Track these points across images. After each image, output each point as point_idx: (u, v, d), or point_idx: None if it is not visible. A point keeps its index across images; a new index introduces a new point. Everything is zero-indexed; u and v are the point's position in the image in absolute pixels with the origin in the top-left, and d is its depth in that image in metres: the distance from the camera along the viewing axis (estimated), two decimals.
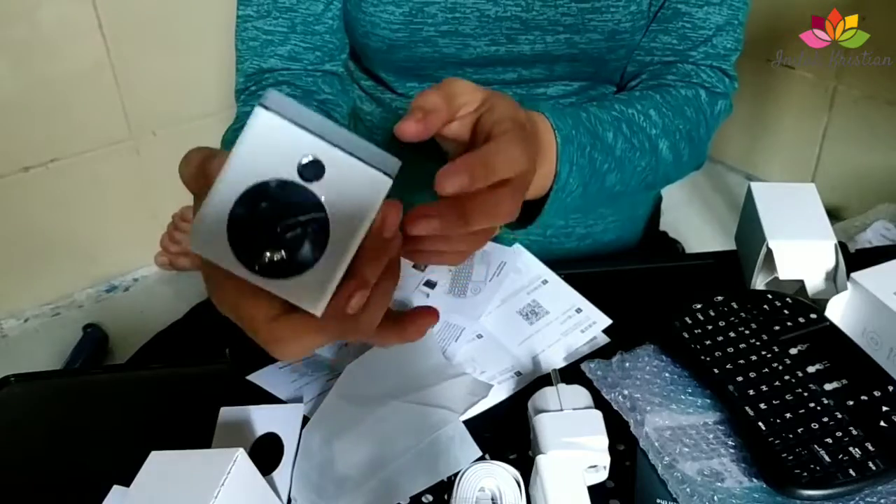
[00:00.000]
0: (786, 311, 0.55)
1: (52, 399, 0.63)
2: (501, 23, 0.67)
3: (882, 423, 0.47)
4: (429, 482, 0.49)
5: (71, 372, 1.13)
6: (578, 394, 0.51)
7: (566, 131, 0.56)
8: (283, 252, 0.35)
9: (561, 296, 0.63)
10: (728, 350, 0.52)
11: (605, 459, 0.48)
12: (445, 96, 0.45)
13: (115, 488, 0.49)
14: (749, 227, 0.64)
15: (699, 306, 0.56)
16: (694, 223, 1.53)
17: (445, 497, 0.49)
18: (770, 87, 1.59)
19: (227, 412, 0.54)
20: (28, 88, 1.36)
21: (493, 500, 0.47)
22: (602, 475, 0.49)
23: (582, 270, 0.66)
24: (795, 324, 0.54)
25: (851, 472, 0.44)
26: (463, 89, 0.47)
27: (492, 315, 0.62)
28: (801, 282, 0.59)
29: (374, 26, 0.67)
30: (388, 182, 0.36)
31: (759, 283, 0.61)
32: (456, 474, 0.48)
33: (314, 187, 0.35)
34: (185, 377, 0.64)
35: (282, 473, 0.51)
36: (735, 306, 0.56)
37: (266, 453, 0.51)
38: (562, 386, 0.52)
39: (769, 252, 0.59)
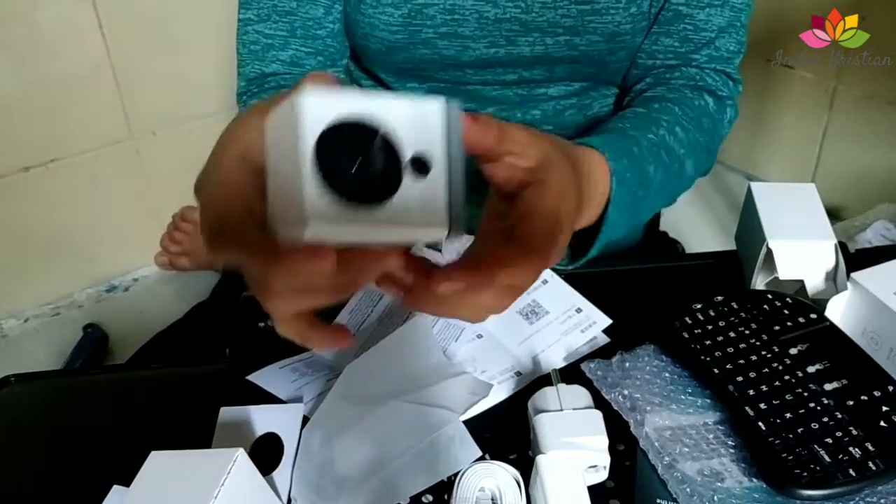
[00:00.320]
0: (786, 311, 0.55)
1: (52, 399, 0.63)
2: (501, 24, 0.67)
3: (882, 423, 0.47)
4: (429, 482, 0.49)
5: (71, 372, 1.13)
6: (578, 394, 0.51)
7: (621, 173, 0.54)
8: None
9: (561, 296, 0.63)
10: (728, 350, 0.52)
11: (605, 459, 0.48)
12: (498, 129, 0.42)
13: (115, 488, 0.49)
14: (749, 227, 0.64)
15: (699, 306, 0.56)
16: (694, 223, 1.53)
17: (445, 497, 0.49)
18: (770, 87, 1.59)
19: (227, 412, 0.54)
20: (28, 88, 1.36)
21: (493, 500, 0.47)
22: (602, 475, 0.49)
23: (582, 270, 0.66)
24: (795, 324, 0.54)
25: (851, 472, 0.44)
26: (517, 138, 0.43)
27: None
28: (801, 282, 0.59)
29: (373, 28, 0.67)
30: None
31: (759, 283, 0.61)
32: (456, 474, 0.48)
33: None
34: (185, 377, 0.64)
35: (282, 473, 0.51)
36: (735, 306, 0.56)
37: (266, 453, 0.51)
38: (562, 386, 0.52)
39: (769, 252, 0.59)
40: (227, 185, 0.40)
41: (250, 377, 0.57)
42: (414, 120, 0.35)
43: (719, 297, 0.56)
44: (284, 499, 0.50)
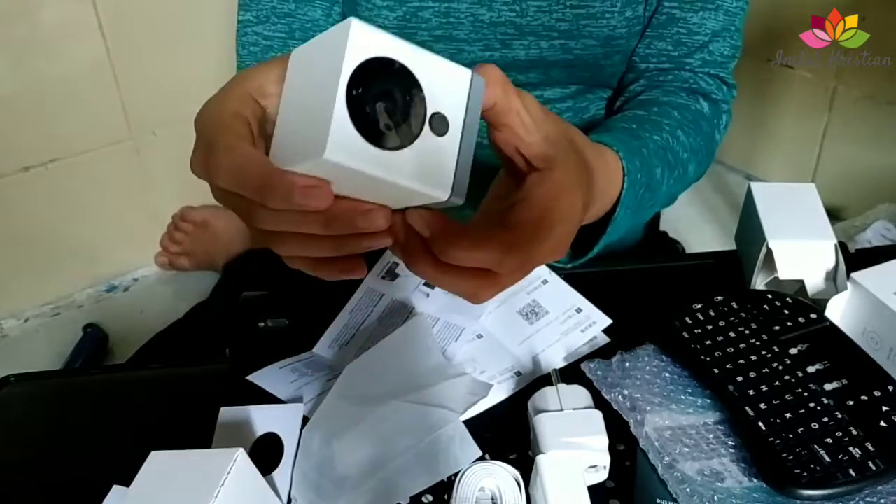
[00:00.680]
0: (786, 311, 0.55)
1: (53, 399, 0.63)
2: (496, 28, 0.67)
3: (882, 423, 0.47)
4: (429, 482, 0.49)
5: (71, 372, 1.13)
6: (578, 394, 0.51)
7: (633, 174, 0.54)
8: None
9: (561, 296, 0.63)
10: (728, 350, 0.52)
11: (605, 459, 0.48)
12: (517, 91, 0.42)
13: (115, 488, 0.49)
14: (749, 227, 0.64)
15: (699, 306, 0.56)
16: (694, 223, 1.53)
17: (445, 497, 0.49)
18: (770, 87, 1.59)
19: (227, 412, 0.54)
20: (28, 88, 1.36)
21: (493, 500, 0.47)
22: (602, 475, 0.49)
23: (582, 270, 0.66)
24: (795, 324, 0.54)
25: (851, 472, 0.44)
26: (530, 106, 0.43)
27: (492, 315, 0.62)
28: (801, 282, 0.59)
29: None
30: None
31: (759, 283, 0.61)
32: (456, 474, 0.48)
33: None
34: (185, 377, 0.64)
35: (282, 473, 0.51)
36: (735, 306, 0.56)
37: (266, 453, 0.51)
38: (562, 386, 0.52)
39: (769, 252, 0.59)
40: (226, 107, 0.39)
41: (250, 377, 0.57)
42: (444, 80, 0.36)
43: (719, 297, 0.56)
44: (284, 499, 0.50)
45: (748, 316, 0.55)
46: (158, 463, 0.44)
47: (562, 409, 0.50)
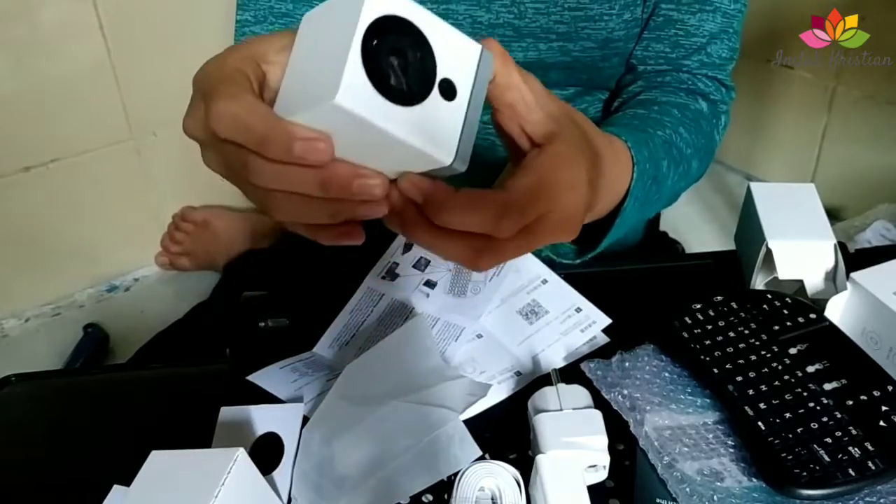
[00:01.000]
0: (785, 311, 0.55)
1: (53, 399, 0.63)
2: (494, 30, 0.67)
3: (881, 423, 0.47)
4: (429, 482, 0.49)
5: (71, 372, 1.13)
6: (578, 393, 0.51)
7: (642, 164, 0.54)
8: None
9: (561, 295, 0.63)
10: (727, 350, 0.52)
11: (605, 459, 0.49)
12: (520, 70, 0.42)
13: (116, 488, 0.49)
14: (748, 227, 0.64)
15: (699, 306, 0.56)
16: (694, 223, 1.53)
17: (445, 496, 0.49)
18: (769, 87, 1.59)
19: (227, 412, 0.54)
20: (28, 88, 1.36)
21: (492, 499, 0.47)
22: (602, 475, 0.50)
23: (582, 270, 0.66)
24: (795, 324, 0.54)
25: (851, 471, 0.44)
26: (535, 86, 0.43)
27: (491, 315, 0.62)
28: (801, 282, 0.60)
29: None
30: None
31: (759, 282, 0.61)
32: (456, 474, 0.48)
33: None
34: (186, 377, 0.64)
35: (282, 473, 0.51)
36: (734, 306, 0.56)
37: (266, 453, 0.51)
38: (561, 386, 0.52)
39: (769, 252, 0.59)
40: (227, 63, 0.39)
41: (250, 377, 0.57)
42: (454, 49, 0.37)
43: (719, 297, 0.56)
44: (285, 498, 0.50)
45: (748, 316, 0.55)
46: (159, 462, 0.44)
47: (561, 409, 0.50)
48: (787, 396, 0.49)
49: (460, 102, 0.37)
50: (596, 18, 0.66)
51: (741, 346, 0.53)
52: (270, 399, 0.56)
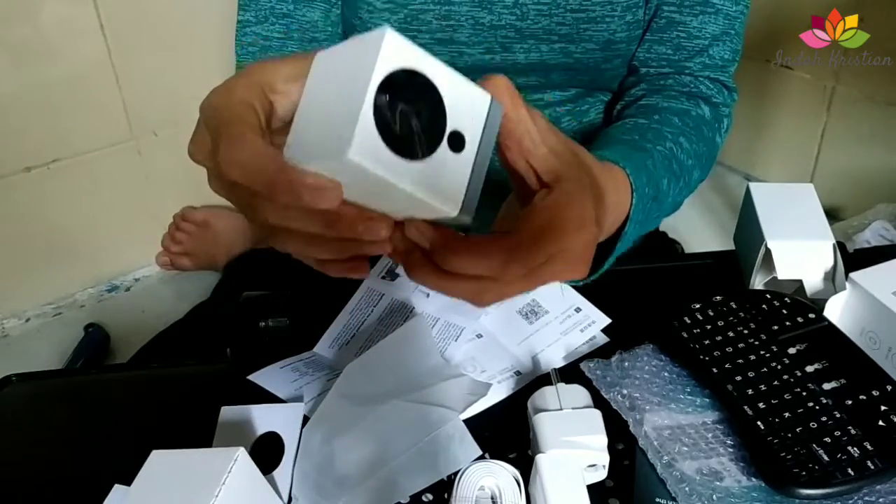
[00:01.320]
0: (784, 311, 0.55)
1: (54, 398, 0.63)
2: (496, 31, 0.67)
3: (880, 423, 0.47)
4: (429, 481, 0.49)
5: (72, 371, 1.13)
6: (578, 393, 0.51)
7: (641, 189, 0.54)
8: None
9: (560, 295, 0.63)
10: (727, 350, 0.52)
11: (605, 458, 0.49)
12: (527, 107, 0.43)
13: (117, 487, 0.49)
14: (748, 228, 0.64)
15: (698, 306, 0.56)
16: (693, 223, 1.53)
17: (445, 496, 0.49)
18: (769, 87, 1.59)
19: (227, 411, 0.54)
20: (29, 89, 1.36)
21: (492, 498, 0.47)
22: (601, 474, 0.50)
23: None
24: (794, 323, 0.54)
25: (850, 471, 0.44)
26: (540, 123, 0.43)
27: (491, 314, 0.62)
28: (800, 282, 0.60)
29: None
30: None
31: (758, 282, 0.61)
32: (456, 473, 0.48)
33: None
34: (186, 377, 0.64)
35: (282, 472, 0.51)
36: (734, 306, 0.56)
37: (267, 452, 0.51)
38: (561, 385, 0.52)
39: (768, 252, 0.59)
40: (235, 95, 0.39)
41: (251, 377, 0.57)
42: (465, 100, 0.37)
43: (718, 297, 0.57)
44: (285, 498, 0.50)
45: (747, 316, 0.55)
46: (159, 462, 0.44)
47: (561, 409, 0.50)
48: (787, 396, 0.49)
49: (468, 154, 0.37)
50: (598, 20, 0.66)
51: (740, 345, 0.53)
52: (271, 399, 0.56)
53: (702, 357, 0.52)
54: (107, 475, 0.49)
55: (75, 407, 0.62)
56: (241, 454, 0.43)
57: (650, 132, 0.64)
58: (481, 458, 0.49)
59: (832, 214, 1.49)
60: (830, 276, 0.59)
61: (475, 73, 0.60)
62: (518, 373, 0.58)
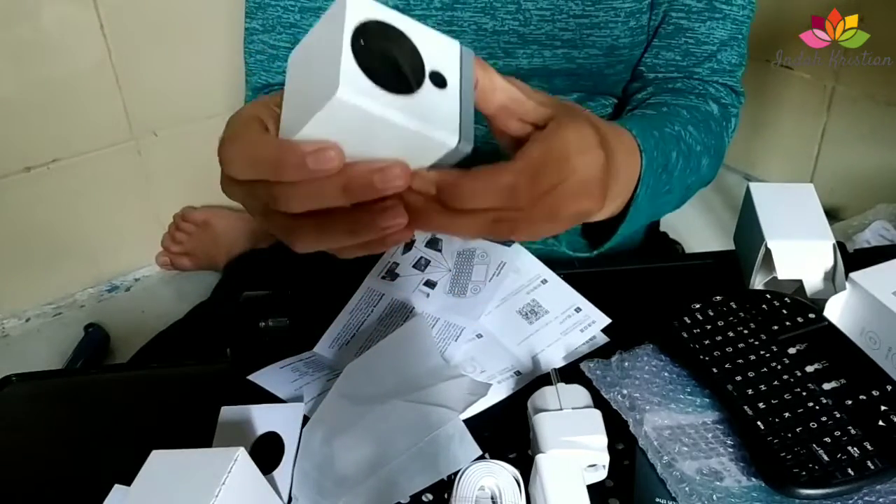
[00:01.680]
0: (784, 311, 0.55)
1: (54, 398, 0.63)
2: (499, 37, 0.67)
3: (880, 423, 0.47)
4: (429, 481, 0.49)
5: (72, 371, 1.13)
6: (578, 393, 0.51)
7: (650, 152, 0.53)
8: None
9: (560, 295, 0.63)
10: (727, 350, 0.52)
11: (605, 458, 0.49)
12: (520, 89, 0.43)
13: (117, 487, 0.49)
14: (748, 228, 0.64)
15: (698, 306, 0.56)
16: (693, 224, 1.53)
17: (445, 496, 0.49)
18: (769, 87, 1.59)
19: (227, 411, 0.54)
20: (29, 89, 1.36)
21: (492, 498, 0.47)
22: (601, 474, 0.50)
23: (581, 270, 0.67)
24: (794, 323, 0.54)
25: (850, 471, 0.44)
26: (524, 87, 0.44)
27: (491, 315, 0.62)
28: (800, 282, 0.60)
29: None
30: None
31: (758, 282, 0.61)
32: (456, 473, 0.48)
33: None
34: (186, 377, 0.64)
35: (282, 472, 0.51)
36: (734, 306, 0.56)
37: (267, 452, 0.51)
38: (561, 385, 0.52)
39: (768, 252, 0.59)
40: (242, 113, 0.41)
41: (251, 377, 0.57)
42: (435, 45, 0.38)
43: (718, 297, 0.57)
44: (285, 497, 0.50)
45: (747, 316, 0.55)
46: (159, 462, 0.44)
47: (561, 409, 0.50)
48: (787, 396, 0.49)
49: (452, 90, 0.38)
50: (601, 26, 0.66)
51: (740, 345, 0.53)
52: (271, 399, 0.56)
53: (702, 357, 0.52)
54: (107, 475, 0.49)
55: (75, 407, 0.62)
56: (241, 454, 0.43)
57: (658, 117, 0.64)
58: (481, 458, 0.49)
59: (832, 214, 1.49)
60: (830, 276, 0.59)
61: None
62: (518, 373, 0.58)
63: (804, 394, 0.49)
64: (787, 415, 0.48)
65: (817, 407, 0.48)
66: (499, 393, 0.56)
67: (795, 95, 1.57)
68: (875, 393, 0.48)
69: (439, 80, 0.38)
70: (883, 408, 0.48)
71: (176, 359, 0.77)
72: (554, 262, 0.66)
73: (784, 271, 0.59)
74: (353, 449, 0.51)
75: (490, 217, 0.40)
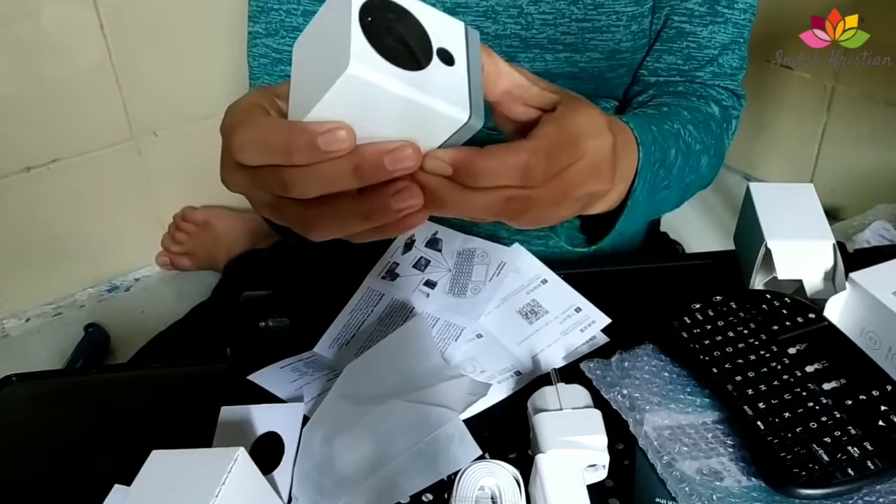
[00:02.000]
0: (784, 311, 0.55)
1: (54, 399, 0.63)
2: (501, 41, 0.67)
3: (880, 423, 0.47)
4: (429, 481, 0.49)
5: (72, 371, 1.13)
6: (578, 393, 0.51)
7: (647, 146, 0.54)
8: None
9: (560, 295, 0.63)
10: (727, 350, 0.52)
11: (605, 458, 0.49)
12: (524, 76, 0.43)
13: (117, 487, 0.49)
14: (748, 228, 0.64)
15: (698, 306, 0.56)
16: (693, 224, 1.53)
17: (445, 496, 0.49)
18: (769, 87, 1.59)
19: (227, 411, 0.54)
20: (29, 89, 1.36)
21: (492, 498, 0.47)
22: (601, 474, 0.50)
23: (581, 270, 0.67)
24: (794, 323, 0.54)
25: (850, 471, 0.44)
26: (527, 73, 0.44)
27: (491, 315, 0.62)
28: (800, 282, 0.60)
29: None
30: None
31: (758, 282, 0.61)
32: (456, 473, 0.48)
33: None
34: (186, 377, 0.64)
35: (282, 472, 0.51)
36: (734, 306, 0.56)
37: (267, 452, 0.51)
38: (561, 385, 0.52)
39: (768, 252, 0.59)
40: (242, 102, 0.41)
41: (251, 377, 0.58)
42: (440, 24, 0.39)
43: (718, 297, 0.57)
44: (285, 497, 0.50)
45: (747, 316, 0.55)
46: (159, 462, 0.44)
47: (561, 409, 0.50)
48: (787, 396, 0.49)
49: (460, 66, 0.38)
50: (603, 30, 0.66)
51: (740, 345, 0.53)
52: (271, 399, 0.56)
53: (702, 357, 0.52)
54: (107, 475, 0.49)
55: (75, 407, 0.62)
56: (241, 454, 0.43)
57: (657, 116, 0.64)
58: (481, 458, 0.49)
59: (832, 214, 1.49)
60: (830, 276, 0.59)
61: None
62: (518, 373, 0.58)
63: (804, 394, 0.49)
64: (787, 415, 0.48)
65: (817, 407, 0.48)
66: (499, 393, 0.56)
67: (795, 95, 1.57)
68: (875, 393, 0.48)
69: (447, 57, 0.38)
70: (883, 408, 0.47)
71: (176, 359, 0.77)
72: (554, 262, 0.66)
73: (784, 271, 0.59)
74: (353, 449, 0.51)
75: (503, 195, 0.40)
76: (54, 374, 0.79)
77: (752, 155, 1.68)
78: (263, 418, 0.54)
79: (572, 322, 0.61)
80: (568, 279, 0.64)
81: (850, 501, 0.44)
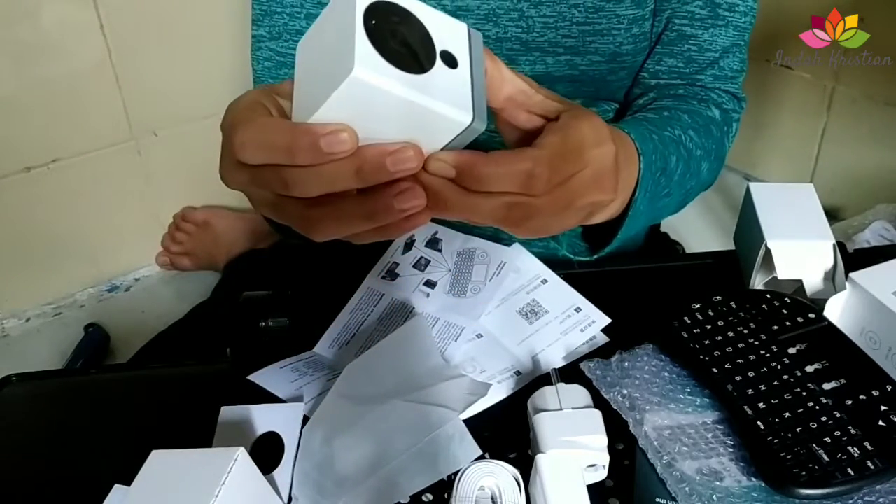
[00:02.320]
0: (784, 311, 0.55)
1: (54, 399, 0.63)
2: (502, 44, 0.67)
3: (880, 423, 0.47)
4: (429, 481, 0.49)
5: (72, 371, 1.13)
6: (578, 393, 0.51)
7: (648, 155, 0.54)
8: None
9: (560, 295, 0.63)
10: (727, 350, 0.52)
11: (605, 458, 0.49)
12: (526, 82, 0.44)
13: (117, 487, 0.49)
14: (748, 228, 0.64)
15: (698, 306, 0.56)
16: (693, 224, 1.53)
17: (445, 496, 0.49)
18: (768, 87, 1.59)
19: (227, 411, 0.54)
20: (29, 89, 1.36)
21: (492, 498, 0.47)
22: (601, 474, 0.50)
23: (581, 270, 0.67)
24: (794, 323, 0.54)
25: (850, 471, 0.44)
26: (531, 82, 0.44)
27: (491, 315, 0.62)
28: (800, 282, 0.60)
29: None
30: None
31: (758, 282, 0.61)
32: (456, 473, 0.48)
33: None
34: (186, 377, 0.64)
35: (282, 472, 0.51)
36: (734, 306, 0.56)
37: (267, 452, 0.51)
38: (561, 385, 0.52)
39: (768, 252, 0.59)
40: (243, 100, 0.41)
41: (251, 377, 0.57)
42: (443, 26, 0.39)
43: (718, 297, 0.57)
44: (285, 497, 0.50)
45: (747, 316, 0.55)
46: (159, 462, 0.44)
47: (561, 409, 0.50)
48: (787, 396, 0.49)
49: (463, 69, 0.39)
50: (604, 33, 0.66)
51: (740, 345, 0.53)
52: (271, 399, 0.56)
53: (702, 357, 0.52)
54: (107, 475, 0.49)
55: (75, 407, 0.62)
56: (241, 454, 0.43)
57: (659, 120, 0.64)
58: (481, 458, 0.49)
59: (832, 214, 1.49)
60: (830, 276, 0.59)
61: None
62: (518, 373, 0.58)
63: (804, 394, 0.49)
64: (787, 415, 0.48)
65: (817, 407, 0.48)
66: (499, 393, 0.56)
67: (795, 95, 1.57)
68: (875, 393, 0.48)
69: (450, 60, 0.38)
70: (883, 408, 0.48)
71: (176, 359, 0.77)
72: (554, 262, 0.66)
73: (784, 271, 0.59)
74: (353, 449, 0.51)
75: (506, 201, 0.40)
76: (54, 374, 0.79)
77: (753, 155, 1.68)
78: (263, 418, 0.54)
79: (572, 322, 0.61)
80: (568, 279, 0.64)
81: (850, 501, 0.44)
